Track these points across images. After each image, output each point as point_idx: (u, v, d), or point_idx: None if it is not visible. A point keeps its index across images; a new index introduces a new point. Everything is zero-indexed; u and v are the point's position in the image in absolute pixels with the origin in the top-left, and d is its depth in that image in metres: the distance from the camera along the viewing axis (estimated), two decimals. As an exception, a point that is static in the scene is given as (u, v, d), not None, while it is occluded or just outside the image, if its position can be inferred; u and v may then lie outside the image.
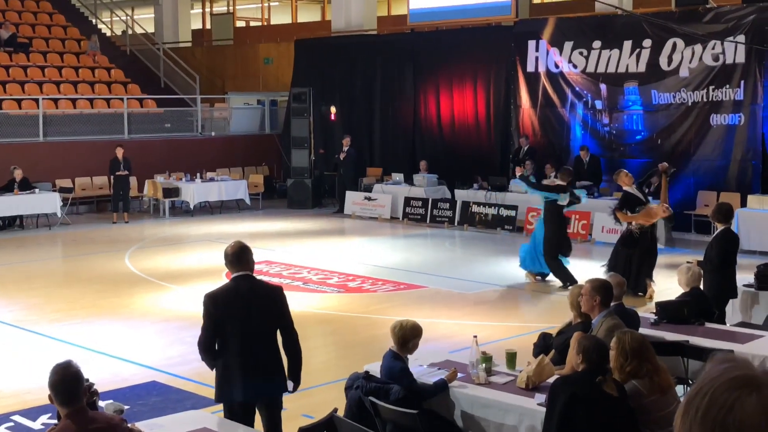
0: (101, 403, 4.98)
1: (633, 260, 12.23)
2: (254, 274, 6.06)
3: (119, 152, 19.59)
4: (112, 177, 20.04)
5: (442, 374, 6.34)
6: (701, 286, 8.40)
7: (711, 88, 17.27)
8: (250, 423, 5.91)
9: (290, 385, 6.09)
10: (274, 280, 12.80)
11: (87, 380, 4.80)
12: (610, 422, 5.25)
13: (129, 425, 5.21)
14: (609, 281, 7.11)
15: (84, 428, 4.33)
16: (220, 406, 6.15)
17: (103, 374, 8.67)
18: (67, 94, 23.70)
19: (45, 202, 19.03)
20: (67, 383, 4.37)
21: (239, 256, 5.94)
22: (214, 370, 5.93)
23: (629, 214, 12.17)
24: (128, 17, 30.40)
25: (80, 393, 4.39)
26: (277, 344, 6.02)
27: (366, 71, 23.17)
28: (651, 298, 11.84)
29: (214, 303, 5.83)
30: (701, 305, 8.03)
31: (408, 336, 6.23)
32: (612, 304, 6.85)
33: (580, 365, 5.42)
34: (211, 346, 5.84)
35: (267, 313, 5.94)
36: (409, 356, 6.30)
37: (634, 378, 5.52)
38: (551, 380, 6.11)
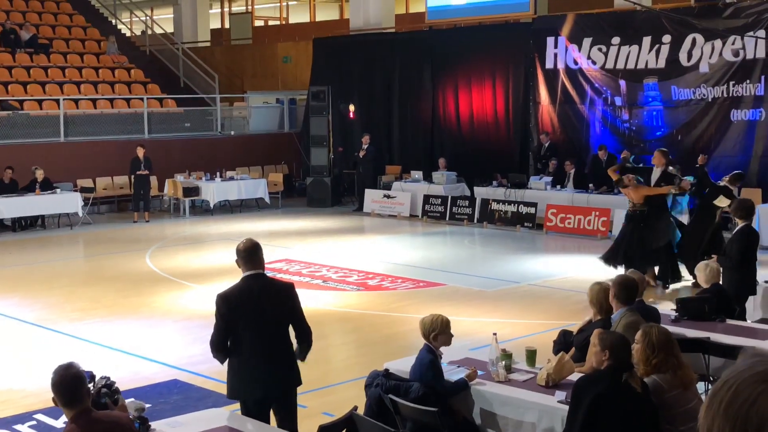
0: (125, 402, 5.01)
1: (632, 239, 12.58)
2: (266, 272, 6.09)
3: (140, 152, 19.69)
4: (132, 176, 20.15)
5: (461, 372, 6.34)
6: (721, 282, 8.38)
7: (731, 83, 17.18)
8: (264, 419, 5.94)
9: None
10: (294, 279, 12.83)
11: (108, 378, 4.84)
12: (635, 419, 5.24)
13: (150, 424, 5.26)
14: (631, 277, 7.09)
15: (89, 430, 4.35)
16: (239, 404, 6.19)
17: (125, 373, 8.73)
18: (87, 95, 23.84)
19: (66, 201, 19.15)
20: (67, 384, 4.39)
21: (252, 254, 5.98)
22: (226, 367, 5.98)
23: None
24: (147, 17, 30.52)
25: (82, 394, 4.41)
26: (289, 340, 6.06)
27: (384, 69, 23.18)
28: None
29: (227, 303, 5.86)
30: (722, 302, 8.00)
31: (428, 330, 6.24)
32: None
33: (604, 362, 5.40)
34: (223, 346, 5.89)
35: (279, 310, 5.97)
36: (442, 351, 6.30)
37: (659, 371, 5.50)
38: (571, 378, 6.10)
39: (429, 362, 6.15)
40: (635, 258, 12.31)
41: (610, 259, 12.84)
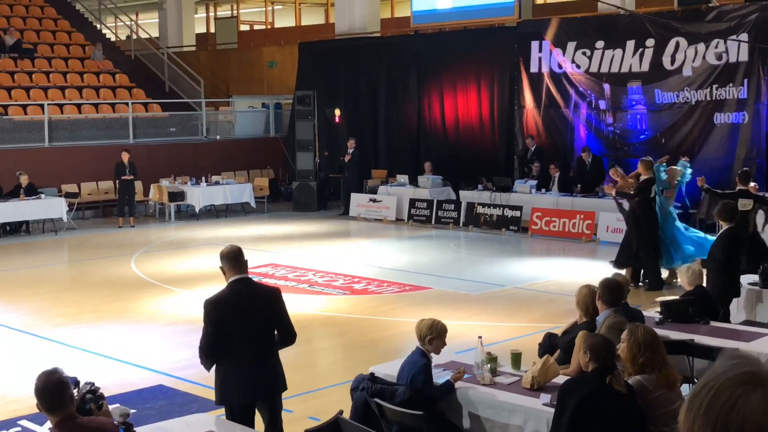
0: (110, 407, 5.00)
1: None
2: (252, 276, 6.11)
3: (125, 157, 19.65)
4: (117, 181, 20.10)
5: (447, 375, 6.36)
6: (704, 284, 8.42)
7: (714, 86, 17.27)
8: (250, 424, 5.95)
9: None
10: (280, 283, 12.83)
11: (92, 384, 4.83)
12: (620, 420, 5.26)
13: (135, 430, 5.25)
14: (617, 280, 7.12)
15: None
16: (224, 409, 6.19)
17: (110, 378, 8.71)
18: (72, 99, 23.76)
19: (51, 207, 19.08)
20: (50, 390, 4.38)
21: (238, 258, 6.00)
22: (214, 373, 5.98)
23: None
24: (132, 22, 30.48)
25: (65, 400, 4.39)
26: (275, 344, 6.07)
27: (370, 73, 23.20)
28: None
29: (216, 309, 5.87)
30: (705, 304, 8.05)
31: (424, 333, 6.25)
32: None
33: (589, 364, 5.42)
34: (212, 352, 5.88)
35: (266, 315, 6.00)
36: (432, 356, 6.32)
37: (645, 371, 5.53)
38: (556, 380, 6.12)
39: (422, 366, 6.16)
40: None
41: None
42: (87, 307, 12.32)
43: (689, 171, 13.68)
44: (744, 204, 11.91)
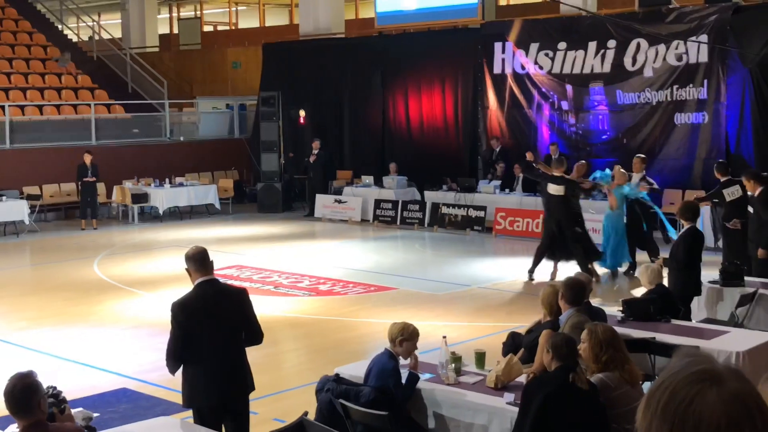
0: (72, 411, 4.97)
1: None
2: (220, 278, 6.10)
3: (87, 158, 19.49)
4: (79, 183, 19.92)
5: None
6: (665, 283, 8.52)
7: (675, 87, 17.46)
8: (218, 427, 5.94)
9: None
10: (245, 285, 12.78)
11: (54, 388, 4.80)
12: (583, 418, 5.32)
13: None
14: (579, 279, 7.19)
15: None
16: (190, 412, 6.17)
17: (73, 382, 8.64)
18: (33, 101, 23.53)
19: (12, 209, 18.86)
20: (17, 393, 4.34)
21: (203, 260, 5.98)
22: (181, 375, 5.96)
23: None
24: (95, 23, 30.21)
25: (33, 405, 4.35)
26: (243, 345, 6.07)
27: (335, 74, 23.19)
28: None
29: (184, 311, 5.85)
30: (666, 302, 8.14)
31: (395, 335, 6.26)
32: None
33: (552, 363, 5.48)
34: (180, 354, 5.86)
35: (234, 316, 6.00)
36: (401, 359, 6.33)
37: (608, 368, 5.59)
38: (520, 379, 6.18)
39: (392, 368, 6.17)
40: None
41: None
42: (49, 311, 12.21)
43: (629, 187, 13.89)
44: (730, 193, 12.02)
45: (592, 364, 5.64)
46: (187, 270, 6.03)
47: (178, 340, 5.83)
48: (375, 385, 6.15)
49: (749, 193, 11.18)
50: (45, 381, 4.94)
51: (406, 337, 6.26)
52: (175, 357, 5.86)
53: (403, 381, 6.18)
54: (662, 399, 1.65)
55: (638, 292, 11.02)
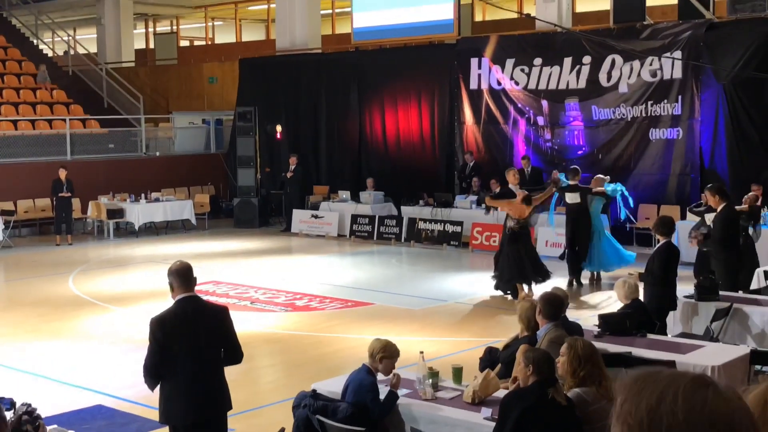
0: (48, 429, 4.92)
1: (522, 256, 13.27)
2: (199, 294, 6.07)
3: (62, 173, 19.37)
4: (54, 199, 19.79)
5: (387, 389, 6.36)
6: (641, 298, 8.56)
7: (649, 103, 17.61)
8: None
9: None
10: (221, 300, 12.75)
11: (29, 405, 4.75)
12: (560, 432, 5.33)
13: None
14: (557, 294, 7.21)
15: None
16: (166, 429, 6.12)
17: (47, 399, 8.56)
18: (8, 116, 23.37)
19: (-14, 225, 18.72)
20: None
21: (187, 276, 5.94)
22: (159, 391, 5.92)
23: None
24: (70, 37, 30.09)
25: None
26: (221, 363, 6.04)
27: (311, 90, 23.21)
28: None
29: (162, 327, 5.82)
30: (642, 317, 8.18)
31: (376, 351, 6.26)
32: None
33: (529, 378, 5.48)
34: (157, 371, 5.83)
35: (213, 334, 5.96)
36: (380, 376, 6.32)
37: (585, 384, 5.60)
38: (497, 394, 6.18)
39: (370, 384, 6.15)
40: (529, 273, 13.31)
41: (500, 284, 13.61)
42: (23, 327, 12.10)
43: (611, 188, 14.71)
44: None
45: (569, 379, 5.65)
46: (170, 284, 5.97)
47: (155, 355, 5.80)
48: (352, 401, 6.13)
49: (711, 205, 11.19)
50: (19, 398, 4.90)
51: (386, 355, 6.25)
52: (152, 374, 5.83)
53: (382, 398, 6.17)
54: (680, 409, 1.65)
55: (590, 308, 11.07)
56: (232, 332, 6.04)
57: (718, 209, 10.76)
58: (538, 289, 11.58)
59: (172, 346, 5.80)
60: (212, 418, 6.04)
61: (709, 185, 11.67)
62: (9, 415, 4.56)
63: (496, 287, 13.56)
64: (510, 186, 15.13)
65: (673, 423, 1.65)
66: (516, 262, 13.17)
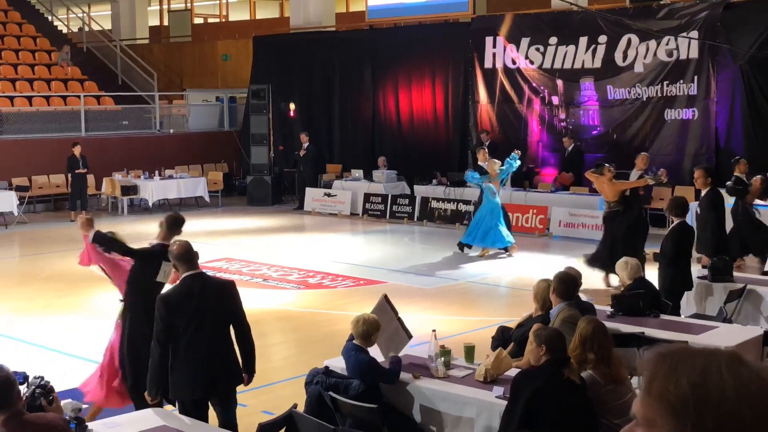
0: (61, 402, 4.95)
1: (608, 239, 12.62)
2: (206, 271, 6.12)
3: (76, 150, 19.43)
4: (70, 175, 19.85)
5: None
6: (649, 278, 8.53)
7: (665, 83, 17.50)
8: (203, 419, 5.96)
9: (245, 378, 6.18)
10: (234, 277, 12.77)
11: (42, 378, 4.77)
12: (572, 412, 5.32)
13: (87, 425, 5.21)
14: (571, 273, 7.19)
15: None
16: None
17: (62, 373, 8.61)
18: (23, 92, 23.43)
19: (1, 200, 18.79)
20: None
21: (189, 255, 6.01)
22: (169, 367, 5.98)
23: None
24: (85, 14, 30.09)
25: (12, 398, 4.32)
26: (230, 339, 6.10)
27: (325, 68, 23.16)
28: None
29: (166, 305, 5.89)
30: (650, 297, 8.16)
31: (371, 330, 6.29)
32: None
33: (541, 357, 5.47)
34: (163, 350, 5.90)
35: (220, 309, 6.02)
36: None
37: (595, 366, 5.59)
38: (509, 373, 6.18)
39: (367, 361, 6.19)
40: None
41: (592, 261, 12.76)
42: (38, 302, 12.17)
43: (517, 163, 14.79)
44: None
45: (578, 359, 5.64)
46: (174, 266, 6.04)
47: (160, 333, 5.89)
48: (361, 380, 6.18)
49: (698, 188, 11.25)
50: (32, 372, 4.93)
51: (371, 330, 6.33)
52: (158, 352, 5.91)
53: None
54: (728, 384, 1.60)
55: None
56: (239, 307, 6.10)
57: (704, 192, 10.90)
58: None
59: (178, 323, 5.86)
60: (221, 394, 6.08)
61: (699, 165, 11.82)
62: (23, 389, 4.58)
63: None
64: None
65: (722, 398, 1.61)
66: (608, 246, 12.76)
